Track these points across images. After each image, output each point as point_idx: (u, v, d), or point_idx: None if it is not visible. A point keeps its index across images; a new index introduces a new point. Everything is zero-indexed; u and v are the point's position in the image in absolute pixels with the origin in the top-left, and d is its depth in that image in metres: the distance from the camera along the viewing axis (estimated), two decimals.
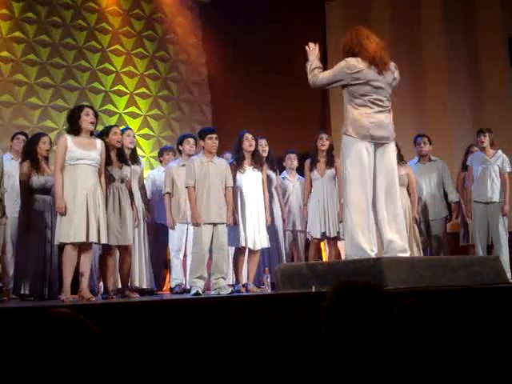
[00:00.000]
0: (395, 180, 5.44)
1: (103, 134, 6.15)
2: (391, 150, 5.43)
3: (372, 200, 5.33)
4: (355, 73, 5.24)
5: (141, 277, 6.78)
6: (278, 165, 7.63)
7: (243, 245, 6.50)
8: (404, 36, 10.42)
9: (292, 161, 7.70)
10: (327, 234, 7.07)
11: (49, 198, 6.26)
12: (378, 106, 5.29)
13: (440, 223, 7.70)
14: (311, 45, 5.59)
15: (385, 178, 5.36)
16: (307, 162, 7.27)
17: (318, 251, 7.47)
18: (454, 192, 7.76)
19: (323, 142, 7.18)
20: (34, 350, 1.72)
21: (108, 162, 5.97)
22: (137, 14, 10.94)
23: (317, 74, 5.43)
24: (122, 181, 6.07)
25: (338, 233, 7.07)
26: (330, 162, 7.15)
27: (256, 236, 6.51)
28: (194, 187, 6.24)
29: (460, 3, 10.40)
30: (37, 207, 6.23)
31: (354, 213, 5.24)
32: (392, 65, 5.43)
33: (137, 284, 6.67)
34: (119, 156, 6.14)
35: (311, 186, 7.24)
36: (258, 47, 10.58)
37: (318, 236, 7.11)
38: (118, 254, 6.18)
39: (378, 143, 5.32)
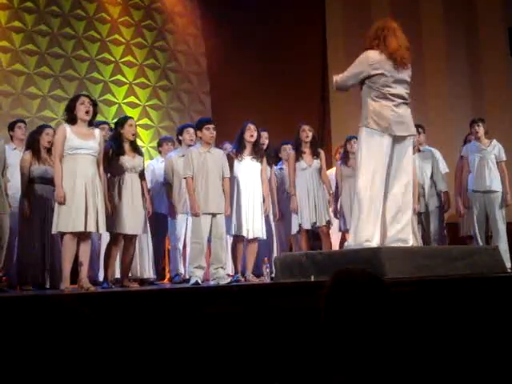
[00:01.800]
0: (409, 174, 5.47)
1: (118, 125, 6.19)
2: (410, 145, 5.46)
3: (385, 192, 5.34)
4: (375, 63, 5.27)
5: (143, 267, 6.79)
6: (275, 156, 7.64)
7: (234, 232, 6.51)
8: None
9: (288, 151, 7.70)
10: (318, 224, 7.08)
11: (49, 188, 6.27)
12: (398, 99, 5.31)
13: (435, 213, 7.70)
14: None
15: (403, 172, 5.39)
16: (292, 153, 7.28)
17: (319, 240, 7.47)
18: (443, 181, 7.75)
19: (307, 134, 7.21)
20: (34, 335, 1.73)
21: (121, 151, 6.02)
22: (136, 4, 10.91)
23: (336, 77, 5.48)
24: (133, 170, 6.10)
25: (329, 222, 7.10)
26: (316, 153, 7.19)
27: (250, 224, 6.51)
28: (192, 178, 6.25)
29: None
30: (37, 196, 6.24)
31: (363, 203, 5.25)
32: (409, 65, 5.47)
33: (138, 274, 6.69)
34: (132, 146, 6.18)
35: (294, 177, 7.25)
36: (257, 38, 10.56)
37: (308, 227, 7.11)
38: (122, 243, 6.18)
39: (398, 136, 5.34)
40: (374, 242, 5.21)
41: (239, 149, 6.68)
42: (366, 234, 5.22)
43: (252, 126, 6.68)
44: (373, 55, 5.32)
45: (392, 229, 5.37)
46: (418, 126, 7.83)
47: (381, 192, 5.29)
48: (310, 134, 7.20)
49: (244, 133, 6.67)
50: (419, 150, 7.78)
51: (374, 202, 5.25)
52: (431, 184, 7.71)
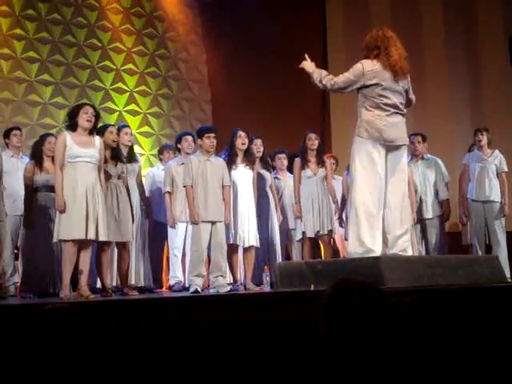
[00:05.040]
0: (405, 183, 5.48)
1: (99, 133, 6.17)
2: (403, 154, 5.47)
3: (382, 201, 5.34)
4: (370, 74, 5.27)
5: (138, 275, 6.78)
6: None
7: (232, 241, 6.50)
8: (404, 35, 10.32)
9: (282, 161, 7.71)
10: (321, 233, 7.08)
11: (52, 196, 6.28)
12: (392, 108, 5.31)
13: (435, 222, 7.70)
14: (303, 60, 5.55)
15: (396, 181, 5.39)
16: (297, 161, 7.28)
17: (318, 249, 7.47)
18: (445, 190, 7.75)
19: (313, 142, 7.22)
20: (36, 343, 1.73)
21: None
22: (137, 12, 10.92)
23: (331, 78, 5.43)
24: (119, 177, 6.09)
25: (331, 231, 7.11)
26: (321, 161, 7.20)
27: (245, 233, 6.51)
28: (192, 186, 6.25)
29: (460, 2, 10.39)
30: (41, 205, 6.26)
31: (360, 213, 5.26)
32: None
33: (133, 282, 6.68)
34: (114, 154, 6.16)
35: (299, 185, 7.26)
36: (258, 46, 10.58)
37: (312, 235, 7.11)
38: (116, 250, 6.18)
39: (390, 146, 5.34)
40: (376, 251, 5.21)
41: (232, 157, 6.68)
42: (367, 243, 5.22)
43: (243, 134, 6.68)
44: (367, 65, 5.31)
45: (391, 239, 5.37)
46: (420, 135, 7.87)
47: (377, 202, 5.29)
48: (316, 143, 7.22)
49: (235, 141, 6.67)
50: (423, 158, 7.79)
51: (372, 212, 5.26)
52: (434, 192, 7.73)
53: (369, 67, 5.30)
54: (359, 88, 5.36)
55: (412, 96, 5.57)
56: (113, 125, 6.66)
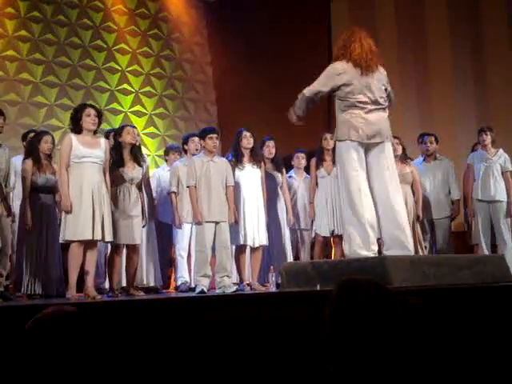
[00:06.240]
0: (393, 179, 5.41)
1: (116, 134, 6.18)
2: (387, 150, 5.41)
3: (372, 200, 5.33)
4: (341, 73, 5.25)
5: (148, 275, 6.80)
6: (285, 163, 7.62)
7: (243, 242, 6.50)
8: (409, 34, 10.41)
9: (300, 160, 7.71)
10: (336, 232, 7.08)
11: (50, 197, 6.26)
12: (369, 105, 5.28)
13: (444, 222, 7.70)
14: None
15: (382, 178, 5.35)
16: (313, 161, 7.33)
17: (329, 249, 7.47)
18: (457, 190, 7.75)
19: (328, 142, 7.25)
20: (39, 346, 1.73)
21: (121, 163, 6.00)
22: (142, 13, 10.95)
23: (303, 90, 5.45)
24: (132, 182, 6.08)
25: None
26: None
27: (255, 233, 6.51)
28: (196, 187, 6.26)
29: (465, 2, 10.38)
30: (38, 205, 6.21)
31: (350, 216, 5.26)
32: (381, 68, 5.43)
33: (144, 282, 6.70)
34: (133, 156, 6.16)
35: (317, 185, 7.29)
36: (263, 46, 10.58)
37: (326, 234, 7.12)
38: (124, 252, 6.19)
39: (372, 143, 5.32)
40: (368, 252, 5.20)
41: (238, 157, 6.68)
42: (364, 244, 5.21)
43: (248, 134, 6.69)
44: (338, 65, 5.31)
45: (387, 239, 5.34)
46: (433, 135, 7.86)
47: (366, 203, 5.27)
48: (332, 143, 7.22)
49: (241, 141, 6.67)
50: (435, 158, 7.79)
51: (362, 213, 5.23)
52: (444, 192, 7.72)
53: (339, 67, 5.29)
54: (333, 92, 5.34)
55: (391, 95, 5.52)
56: (128, 125, 6.65)
